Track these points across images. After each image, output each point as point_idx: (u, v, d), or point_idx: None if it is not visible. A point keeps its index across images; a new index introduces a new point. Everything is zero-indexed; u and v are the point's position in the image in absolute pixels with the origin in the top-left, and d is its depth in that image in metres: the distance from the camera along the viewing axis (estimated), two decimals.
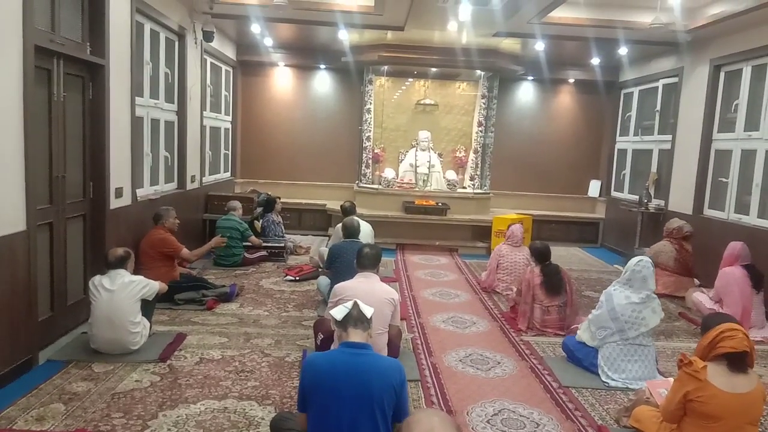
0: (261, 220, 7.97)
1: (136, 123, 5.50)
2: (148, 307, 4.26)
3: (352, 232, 5.19)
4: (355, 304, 2.69)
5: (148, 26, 5.84)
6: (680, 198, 7.56)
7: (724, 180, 6.82)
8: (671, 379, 3.15)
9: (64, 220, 4.41)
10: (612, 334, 4.05)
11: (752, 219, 6.30)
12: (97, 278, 4.07)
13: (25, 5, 3.65)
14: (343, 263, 4.73)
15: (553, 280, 5.06)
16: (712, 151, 7.09)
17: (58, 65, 4.22)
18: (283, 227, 8.21)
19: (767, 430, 3.44)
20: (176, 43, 6.68)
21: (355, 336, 2.60)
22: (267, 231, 7.89)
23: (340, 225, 5.99)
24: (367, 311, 2.69)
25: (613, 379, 3.97)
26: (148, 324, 4.26)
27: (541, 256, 5.20)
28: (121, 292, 4.01)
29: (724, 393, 2.73)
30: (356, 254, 3.90)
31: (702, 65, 7.27)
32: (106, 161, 4.84)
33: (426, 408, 3.40)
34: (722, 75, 7.00)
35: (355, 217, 6.19)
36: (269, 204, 8.15)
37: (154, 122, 6.16)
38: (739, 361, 2.77)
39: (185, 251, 5.58)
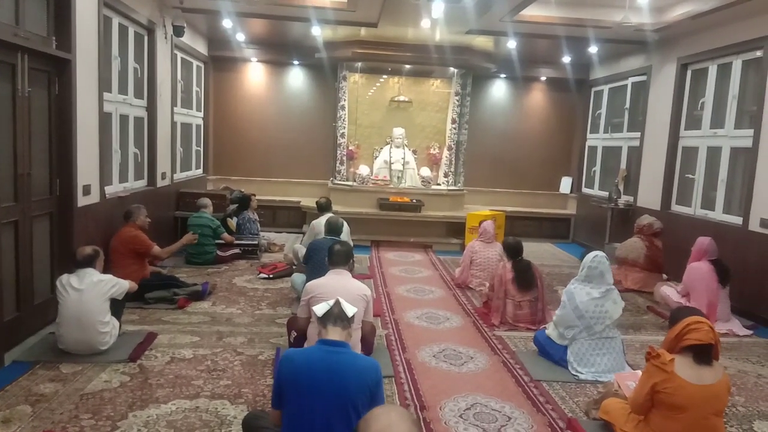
0: (237, 218, 7.88)
1: (104, 119, 5.40)
2: (117, 306, 4.20)
3: (335, 228, 5.16)
4: (337, 302, 2.67)
5: (116, 20, 5.73)
6: (649, 194, 7.71)
7: (690, 176, 6.97)
8: (639, 372, 3.22)
9: (29, 219, 4.30)
10: (580, 332, 4.12)
11: (718, 214, 6.46)
12: (65, 277, 3.98)
13: None
14: (321, 260, 4.71)
15: (525, 276, 5.13)
16: (679, 148, 7.24)
17: (23, 60, 4.11)
18: (259, 225, 8.14)
19: (731, 420, 3.53)
20: (146, 38, 6.57)
21: (334, 334, 2.58)
22: (243, 229, 7.81)
23: (315, 221, 5.98)
24: (349, 310, 2.66)
25: (583, 373, 4.04)
26: (117, 323, 4.19)
27: (512, 251, 5.26)
28: (90, 292, 3.94)
29: (690, 384, 2.79)
30: (327, 251, 3.90)
31: (669, 64, 7.42)
32: (73, 158, 4.74)
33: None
34: (689, 73, 7.15)
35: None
36: (244, 201, 8.06)
37: (123, 118, 6.06)
38: (704, 354, 2.84)
39: (156, 249, 5.52)
